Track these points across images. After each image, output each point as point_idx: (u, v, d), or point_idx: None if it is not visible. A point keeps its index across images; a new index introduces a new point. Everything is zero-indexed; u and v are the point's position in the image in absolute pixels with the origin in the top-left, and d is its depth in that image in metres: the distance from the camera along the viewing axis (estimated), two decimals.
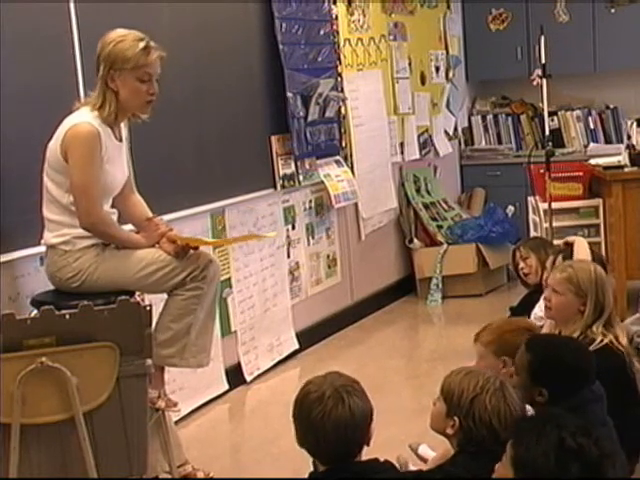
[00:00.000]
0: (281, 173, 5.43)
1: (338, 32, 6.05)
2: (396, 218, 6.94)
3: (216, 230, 4.93)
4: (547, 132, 6.23)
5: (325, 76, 5.78)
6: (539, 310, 3.89)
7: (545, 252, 4.42)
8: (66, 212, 3.41)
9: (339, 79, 6.02)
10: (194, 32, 4.76)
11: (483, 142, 8.21)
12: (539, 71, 6.03)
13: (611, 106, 7.88)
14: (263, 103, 5.32)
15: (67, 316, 2.89)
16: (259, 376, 5.24)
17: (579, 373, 2.84)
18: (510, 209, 7.29)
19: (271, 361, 5.38)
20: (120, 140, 3.53)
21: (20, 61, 3.72)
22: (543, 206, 6.10)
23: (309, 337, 5.74)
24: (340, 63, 6.06)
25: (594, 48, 7.67)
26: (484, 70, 8.06)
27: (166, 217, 3.98)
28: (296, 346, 5.60)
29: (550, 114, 6.52)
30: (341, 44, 6.09)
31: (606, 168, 6.02)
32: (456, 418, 2.58)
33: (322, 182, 5.87)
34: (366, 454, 2.54)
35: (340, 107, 6.02)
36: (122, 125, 3.56)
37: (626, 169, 5.90)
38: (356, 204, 6.30)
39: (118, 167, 3.52)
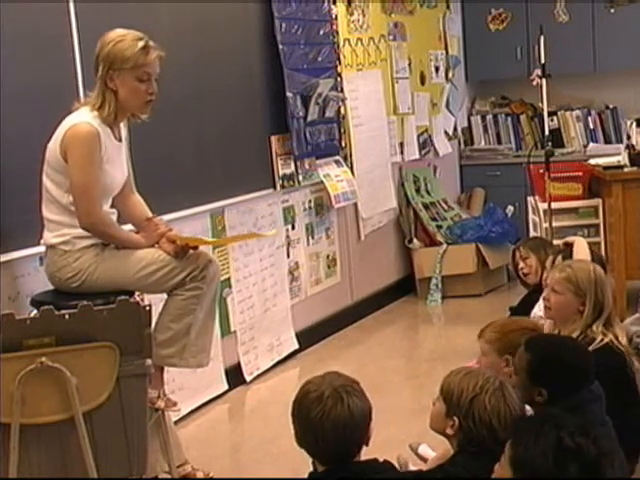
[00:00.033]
0: (281, 173, 5.43)
1: (338, 32, 6.05)
2: (396, 218, 6.94)
3: (216, 230, 4.93)
4: (547, 132, 6.24)
5: (325, 76, 5.78)
6: (538, 310, 3.89)
7: (545, 252, 4.42)
8: (66, 212, 3.41)
9: (339, 79, 6.02)
10: (194, 32, 4.76)
11: (483, 142, 8.21)
12: (539, 71, 6.03)
13: (611, 106, 7.88)
14: (263, 103, 5.32)
15: (67, 316, 2.89)
16: (259, 376, 5.24)
17: (578, 373, 2.84)
18: (510, 209, 7.29)
19: (271, 361, 5.38)
20: (120, 140, 3.53)
21: (20, 61, 3.72)
22: (543, 206, 6.11)
23: (309, 337, 5.74)
24: (340, 63, 6.06)
25: (594, 48, 7.67)
26: (484, 70, 8.06)
27: (166, 217, 3.98)
28: (296, 346, 5.60)
29: (550, 114, 6.52)
30: (341, 44, 6.09)
31: (606, 168, 6.02)
32: (456, 418, 2.58)
33: (322, 182, 5.87)
34: (365, 454, 2.54)
35: (340, 107, 6.02)
36: (121, 125, 3.56)
37: (626, 169, 5.91)
38: (356, 204, 6.30)
39: (118, 167, 3.52)
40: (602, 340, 3.31)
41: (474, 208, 7.66)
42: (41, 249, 3.59)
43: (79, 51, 3.96)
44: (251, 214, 5.22)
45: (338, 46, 6.04)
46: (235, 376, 5.04)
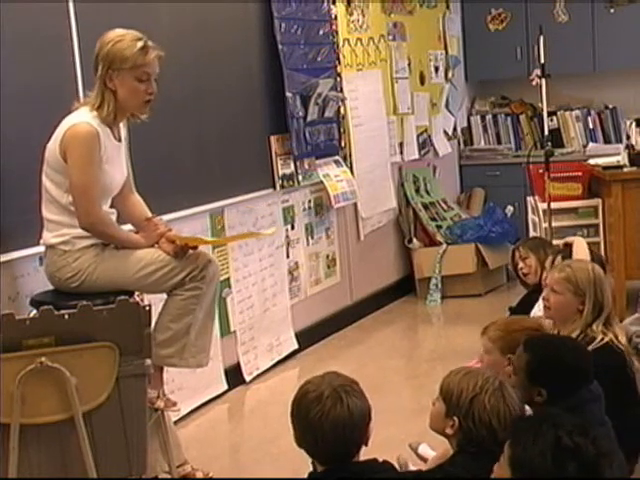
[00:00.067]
0: (280, 173, 5.43)
1: (337, 32, 6.05)
2: (395, 218, 6.95)
3: (215, 230, 4.93)
4: (546, 132, 6.24)
5: (324, 76, 5.78)
6: (538, 310, 3.89)
7: (544, 252, 4.42)
8: (65, 212, 3.42)
9: (338, 79, 6.02)
10: (193, 32, 4.76)
11: (482, 142, 8.21)
12: (538, 71, 6.03)
13: (610, 106, 7.88)
14: (262, 103, 5.32)
15: (66, 316, 2.89)
16: (258, 376, 5.24)
17: (577, 373, 2.84)
18: (509, 209, 7.29)
19: (270, 361, 5.38)
20: (119, 140, 3.53)
21: (20, 61, 3.72)
22: (542, 206, 6.11)
23: (308, 337, 5.74)
24: (339, 63, 6.06)
25: (593, 48, 7.67)
26: (483, 70, 8.06)
27: (165, 217, 3.98)
28: (295, 346, 5.60)
29: (549, 114, 6.52)
30: (340, 44, 6.09)
31: (605, 168, 6.02)
32: (455, 418, 2.58)
33: (321, 182, 5.87)
34: (365, 454, 2.54)
35: (339, 107, 6.02)
36: (121, 125, 3.56)
37: (625, 169, 5.91)
38: (355, 204, 6.30)
39: (117, 167, 3.52)
40: (602, 339, 3.32)
41: (474, 208, 7.66)
42: (41, 249, 3.59)
43: (79, 51, 3.96)
44: (251, 214, 5.22)
45: (338, 46, 6.04)
46: (235, 376, 5.04)
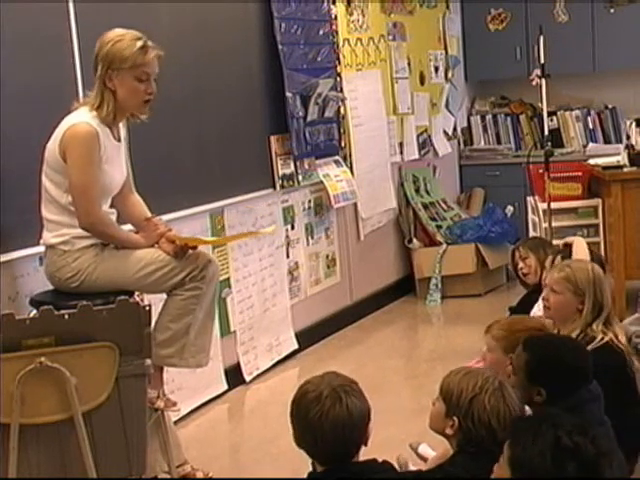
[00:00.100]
0: (280, 173, 5.43)
1: (337, 32, 6.05)
2: (395, 218, 6.95)
3: (215, 230, 4.93)
4: (546, 132, 6.24)
5: (324, 76, 5.78)
6: (538, 310, 3.89)
7: (544, 252, 4.42)
8: (65, 212, 3.42)
9: (338, 79, 6.02)
10: (193, 32, 4.76)
11: (482, 142, 8.21)
12: (538, 71, 6.03)
13: (610, 106, 7.88)
14: (262, 103, 5.32)
15: (66, 316, 2.89)
16: (258, 376, 5.24)
17: (577, 372, 2.84)
18: (509, 209, 7.29)
19: (270, 361, 5.38)
20: (119, 140, 3.53)
21: (20, 61, 3.73)
22: (542, 206, 6.11)
23: (308, 337, 5.74)
24: (339, 63, 6.06)
25: (593, 48, 7.67)
26: (483, 70, 8.06)
27: (165, 217, 3.99)
28: (295, 346, 5.60)
29: (549, 114, 6.52)
30: (340, 44, 6.09)
31: (605, 168, 6.02)
32: (455, 418, 2.58)
33: (321, 182, 5.87)
34: (365, 454, 2.54)
35: (339, 107, 6.02)
36: (121, 125, 3.56)
37: (625, 169, 5.91)
38: (355, 204, 6.30)
39: (117, 167, 3.52)
40: (602, 339, 3.32)
41: (473, 208, 7.66)
42: (41, 249, 3.59)
43: (79, 51, 3.96)
44: (251, 214, 5.22)
45: (338, 46, 6.04)
46: (234, 376, 5.04)
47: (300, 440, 2.52)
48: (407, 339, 6.36)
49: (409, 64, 7.06)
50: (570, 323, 3.40)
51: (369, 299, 6.55)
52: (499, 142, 8.17)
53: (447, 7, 7.75)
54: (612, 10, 7.58)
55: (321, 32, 5.83)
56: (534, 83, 6.09)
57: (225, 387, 4.96)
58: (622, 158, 6.00)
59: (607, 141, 7.82)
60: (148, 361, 2.99)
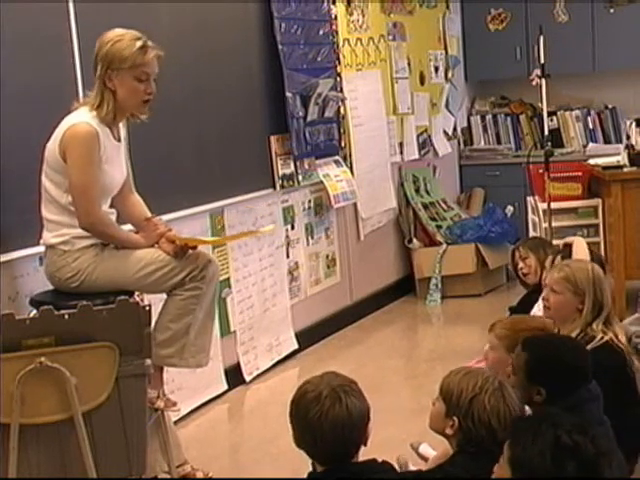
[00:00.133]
0: (280, 173, 5.43)
1: (337, 32, 6.05)
2: (395, 218, 6.95)
3: (215, 230, 4.93)
4: (546, 132, 6.24)
5: (324, 76, 5.78)
6: (538, 310, 3.89)
7: (544, 252, 4.42)
8: (65, 212, 3.42)
9: (338, 79, 6.02)
10: (193, 32, 4.76)
11: (482, 142, 8.21)
12: (538, 71, 6.04)
13: (610, 106, 7.88)
14: (262, 103, 5.32)
15: (66, 316, 2.89)
16: (258, 376, 5.24)
17: (576, 371, 2.84)
18: (509, 209, 7.29)
19: (270, 361, 5.38)
20: (119, 140, 3.53)
21: (20, 61, 3.73)
22: (542, 206, 6.11)
23: (308, 337, 5.74)
24: (339, 63, 6.07)
25: (593, 48, 7.67)
26: (483, 70, 8.06)
27: (165, 217, 3.99)
28: (295, 346, 5.60)
29: (549, 114, 6.52)
30: (340, 44, 6.09)
31: (605, 168, 6.02)
32: (455, 418, 2.58)
33: (321, 182, 5.87)
34: (364, 454, 2.54)
35: (339, 107, 6.02)
36: (120, 125, 3.56)
37: (625, 169, 5.91)
38: (355, 204, 6.30)
39: (117, 167, 3.52)
40: (602, 338, 3.32)
41: (473, 208, 7.66)
42: (41, 249, 3.59)
43: (79, 51, 3.96)
44: (250, 214, 5.22)
45: (337, 46, 6.04)
46: (234, 376, 5.04)
47: (300, 440, 2.52)
48: (407, 339, 6.36)
49: (409, 64, 7.06)
50: (570, 323, 3.41)
51: (369, 299, 6.55)
52: (499, 142, 8.17)
53: (447, 7, 7.75)
54: (612, 10, 7.58)
55: (321, 32, 5.83)
56: (534, 83, 6.09)
57: (225, 387, 4.96)
58: (622, 158, 6.00)
59: (607, 141, 7.83)
60: (148, 361, 2.99)
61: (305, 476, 2.58)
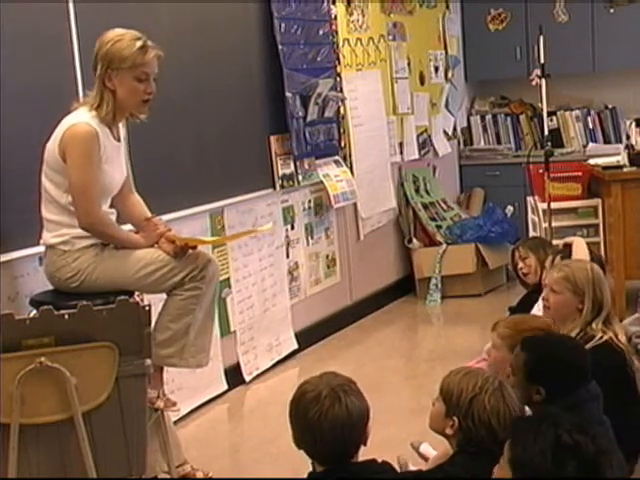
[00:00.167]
0: (280, 173, 5.43)
1: (337, 32, 6.05)
2: (395, 218, 6.95)
3: (215, 230, 4.93)
4: (546, 132, 6.25)
5: (324, 76, 5.78)
6: (538, 310, 3.89)
7: (544, 252, 4.42)
8: (65, 212, 3.42)
9: (338, 79, 6.02)
10: (193, 32, 4.76)
11: (482, 142, 8.22)
12: (538, 71, 6.04)
13: (610, 106, 7.88)
14: (262, 103, 5.32)
15: (66, 316, 2.89)
16: (258, 376, 5.24)
17: (575, 371, 2.84)
18: (509, 209, 7.29)
19: (270, 361, 5.38)
20: (118, 140, 3.53)
21: (20, 61, 3.73)
22: (542, 206, 6.11)
23: (308, 337, 5.74)
24: (339, 63, 6.07)
25: (593, 48, 7.68)
26: (483, 70, 8.06)
27: (165, 217, 3.99)
28: (295, 346, 5.60)
29: (549, 114, 6.53)
30: (340, 44, 6.09)
31: (605, 168, 6.02)
32: (455, 418, 2.58)
33: (321, 182, 5.87)
34: (364, 454, 2.54)
35: (339, 107, 6.02)
36: (120, 125, 3.56)
37: (625, 169, 5.91)
38: (355, 204, 6.30)
39: (116, 167, 3.52)
40: (602, 337, 3.32)
41: (473, 208, 7.66)
42: (40, 249, 3.59)
43: (79, 51, 3.96)
44: (250, 214, 5.22)
45: (337, 46, 6.05)
46: (234, 376, 5.04)
47: (299, 440, 2.52)
48: (407, 339, 6.36)
49: (409, 64, 7.06)
50: (570, 323, 3.41)
51: (369, 299, 6.55)
52: (499, 142, 8.17)
53: (447, 7, 7.75)
54: (612, 10, 7.58)
55: (321, 32, 5.83)
56: (534, 83, 6.09)
57: (225, 387, 4.96)
58: (622, 158, 6.00)
59: (607, 141, 7.83)
60: (148, 361, 2.99)
61: (305, 476, 2.58)
